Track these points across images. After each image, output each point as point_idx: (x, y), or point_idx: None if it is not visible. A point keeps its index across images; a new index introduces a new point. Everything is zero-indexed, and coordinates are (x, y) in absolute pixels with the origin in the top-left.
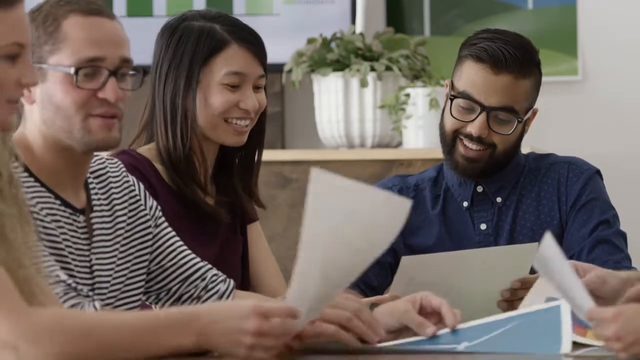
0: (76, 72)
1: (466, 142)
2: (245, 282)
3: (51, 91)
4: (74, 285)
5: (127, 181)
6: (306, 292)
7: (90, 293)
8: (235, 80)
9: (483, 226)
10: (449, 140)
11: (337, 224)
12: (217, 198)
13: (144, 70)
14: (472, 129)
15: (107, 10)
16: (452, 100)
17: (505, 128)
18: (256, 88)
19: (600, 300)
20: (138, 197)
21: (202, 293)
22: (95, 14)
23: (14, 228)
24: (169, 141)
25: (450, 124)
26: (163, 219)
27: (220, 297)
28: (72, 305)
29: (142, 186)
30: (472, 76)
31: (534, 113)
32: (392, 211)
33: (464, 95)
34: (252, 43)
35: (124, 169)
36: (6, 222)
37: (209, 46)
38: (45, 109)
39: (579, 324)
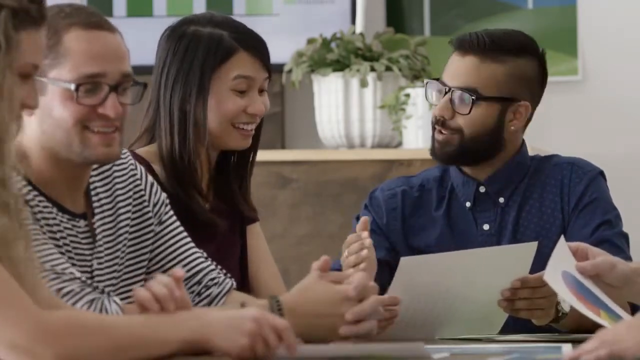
0: (77, 88)
1: (437, 127)
2: (244, 283)
3: (50, 105)
4: (89, 282)
5: (134, 174)
6: None
7: (107, 289)
8: (243, 85)
9: (486, 226)
10: (432, 128)
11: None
12: (214, 202)
13: (144, 84)
14: (436, 110)
15: (108, 23)
16: (427, 85)
17: (466, 108)
18: (261, 91)
19: (607, 287)
20: (143, 193)
21: (195, 298)
22: (96, 27)
23: (17, 244)
24: (173, 147)
25: (432, 112)
26: (170, 214)
27: (212, 302)
28: (91, 300)
29: (149, 179)
30: (447, 63)
31: (526, 109)
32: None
33: (436, 79)
34: (259, 49)
35: (131, 161)
36: (9, 236)
37: (219, 54)
38: (44, 122)
39: (591, 303)
